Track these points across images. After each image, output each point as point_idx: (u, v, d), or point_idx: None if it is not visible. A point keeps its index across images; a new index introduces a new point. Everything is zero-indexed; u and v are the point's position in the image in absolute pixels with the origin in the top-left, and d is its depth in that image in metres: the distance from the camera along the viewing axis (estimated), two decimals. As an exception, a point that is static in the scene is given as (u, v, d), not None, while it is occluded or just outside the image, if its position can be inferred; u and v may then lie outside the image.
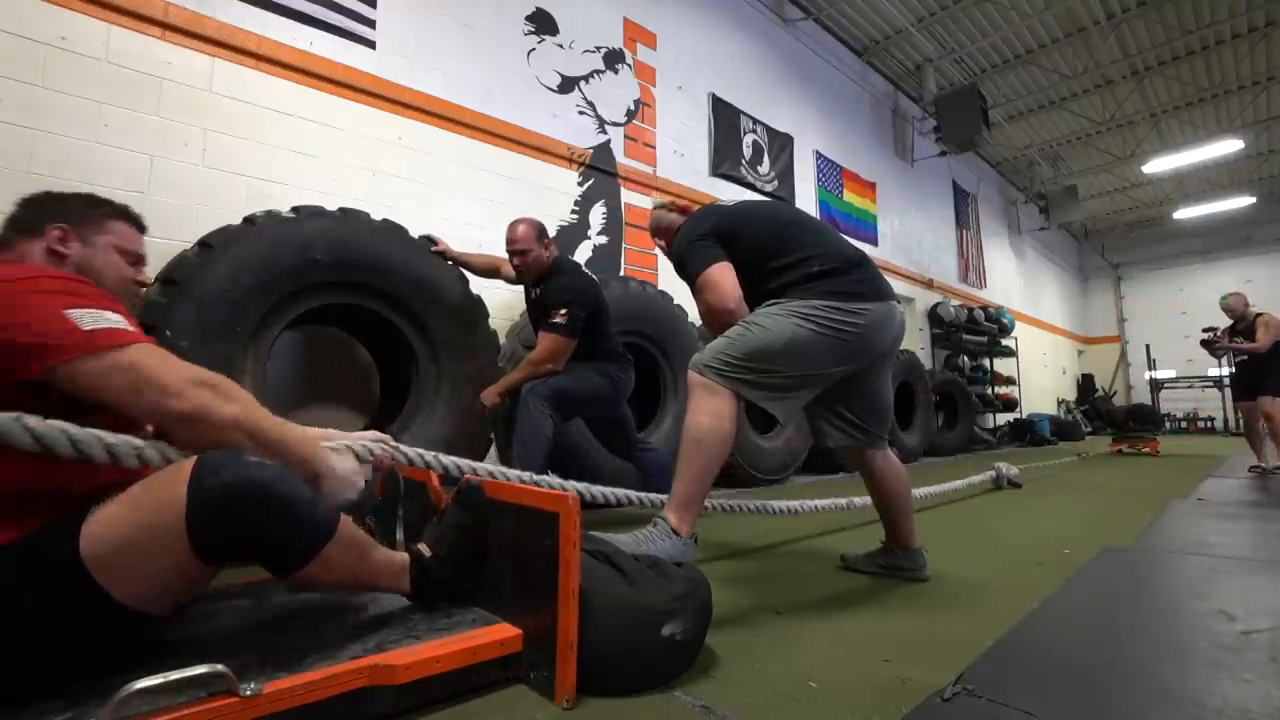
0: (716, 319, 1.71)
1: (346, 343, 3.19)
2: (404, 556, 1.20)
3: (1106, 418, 12.35)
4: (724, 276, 1.70)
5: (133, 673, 0.77)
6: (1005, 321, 9.67)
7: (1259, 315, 4.92)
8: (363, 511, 1.59)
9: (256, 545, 0.94)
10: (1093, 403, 13.51)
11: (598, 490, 1.96)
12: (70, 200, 1.14)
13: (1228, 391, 12.48)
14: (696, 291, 1.75)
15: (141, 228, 1.21)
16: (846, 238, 1.93)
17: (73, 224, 1.10)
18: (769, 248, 1.74)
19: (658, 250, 2.26)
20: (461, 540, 1.24)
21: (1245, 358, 4.95)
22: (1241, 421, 5.13)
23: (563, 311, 2.53)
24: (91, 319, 0.91)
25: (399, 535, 1.49)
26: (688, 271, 1.77)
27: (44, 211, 1.10)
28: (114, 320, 0.93)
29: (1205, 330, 5.39)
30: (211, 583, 1.37)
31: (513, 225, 2.69)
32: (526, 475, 1.75)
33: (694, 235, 1.78)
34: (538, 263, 2.68)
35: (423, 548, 1.23)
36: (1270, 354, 4.70)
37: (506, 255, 2.74)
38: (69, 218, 1.10)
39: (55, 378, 0.88)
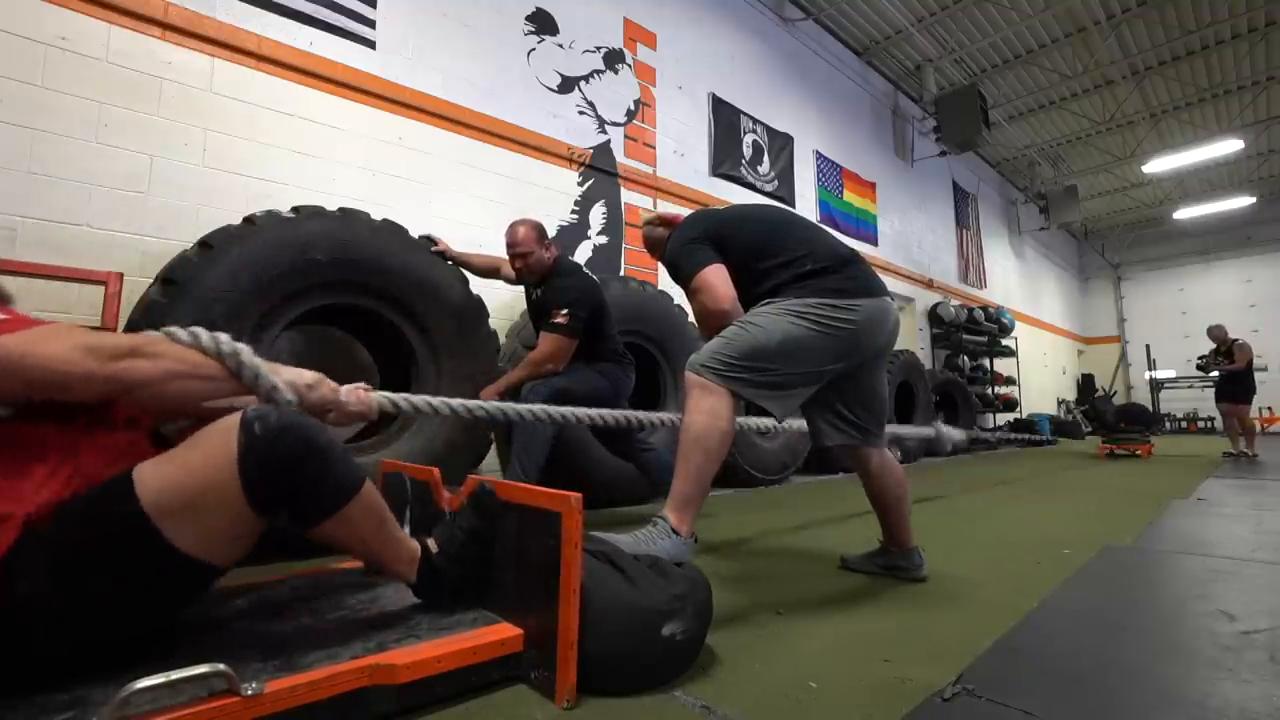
0: (711, 320, 1.72)
1: (346, 343, 3.18)
2: (417, 546, 1.22)
3: (1096, 418, 11.91)
4: (717, 278, 1.71)
5: (134, 672, 0.77)
6: (1005, 321, 9.67)
7: (1234, 341, 6.82)
8: None
9: (295, 488, 0.98)
10: (1092, 403, 13.52)
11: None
12: None
13: (1228, 392, 12.63)
14: (691, 294, 1.76)
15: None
16: (845, 238, 1.95)
17: None
18: (761, 248, 1.76)
19: (657, 252, 2.27)
20: (470, 543, 1.24)
21: (1228, 373, 6.80)
22: (1223, 418, 7.02)
23: (564, 312, 2.53)
24: None
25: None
26: (681, 275, 1.78)
27: None
28: None
29: (1200, 358, 7.35)
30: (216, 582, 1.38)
31: (513, 228, 2.69)
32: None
33: (686, 239, 1.80)
34: (539, 264, 2.68)
35: (431, 544, 1.24)
36: (1245, 371, 6.66)
37: (507, 257, 2.74)
38: None
39: None
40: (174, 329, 1.06)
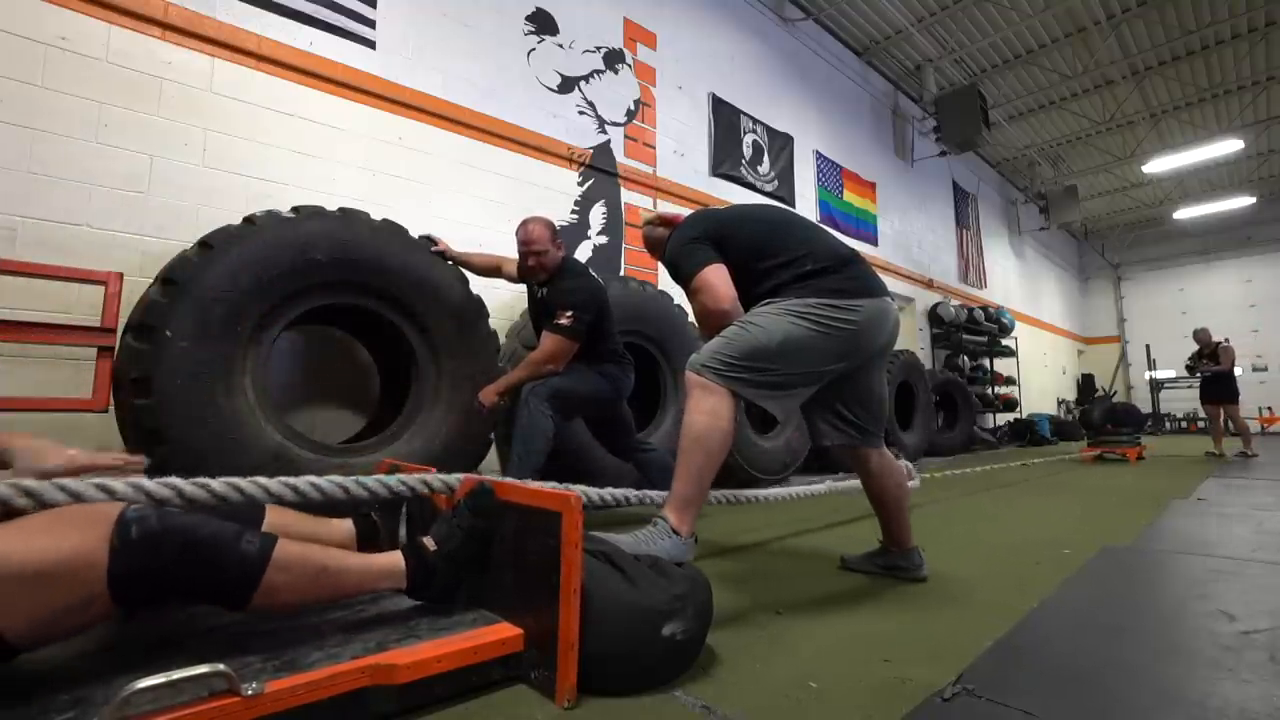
0: (712, 320, 1.72)
1: (346, 343, 3.18)
2: (389, 557, 1.19)
3: (1083, 419, 10.65)
4: (717, 277, 1.71)
5: (135, 672, 0.77)
6: (1005, 321, 9.67)
7: (1218, 343, 6.98)
8: (366, 507, 1.59)
9: (188, 588, 0.95)
10: (1093, 402, 13.51)
11: (596, 494, 1.92)
12: None
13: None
14: (691, 294, 1.76)
15: None
16: (845, 238, 1.94)
17: None
18: (761, 248, 1.76)
19: (657, 251, 2.27)
20: (468, 542, 1.23)
21: (1212, 375, 6.96)
22: (1209, 419, 7.18)
23: (569, 314, 2.52)
24: None
25: (401, 531, 1.49)
26: (681, 275, 1.78)
27: None
28: None
29: (1188, 359, 7.46)
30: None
31: (526, 226, 2.65)
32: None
33: (686, 238, 1.80)
34: (551, 262, 2.66)
35: (428, 542, 1.23)
36: (1228, 372, 6.82)
37: (519, 255, 2.72)
38: None
39: None
40: None
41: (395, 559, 1.19)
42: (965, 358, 9.30)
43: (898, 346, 7.10)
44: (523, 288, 2.94)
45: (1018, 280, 12.28)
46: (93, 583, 0.86)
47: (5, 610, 0.84)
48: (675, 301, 3.83)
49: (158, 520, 0.92)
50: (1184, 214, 12.96)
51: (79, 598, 0.87)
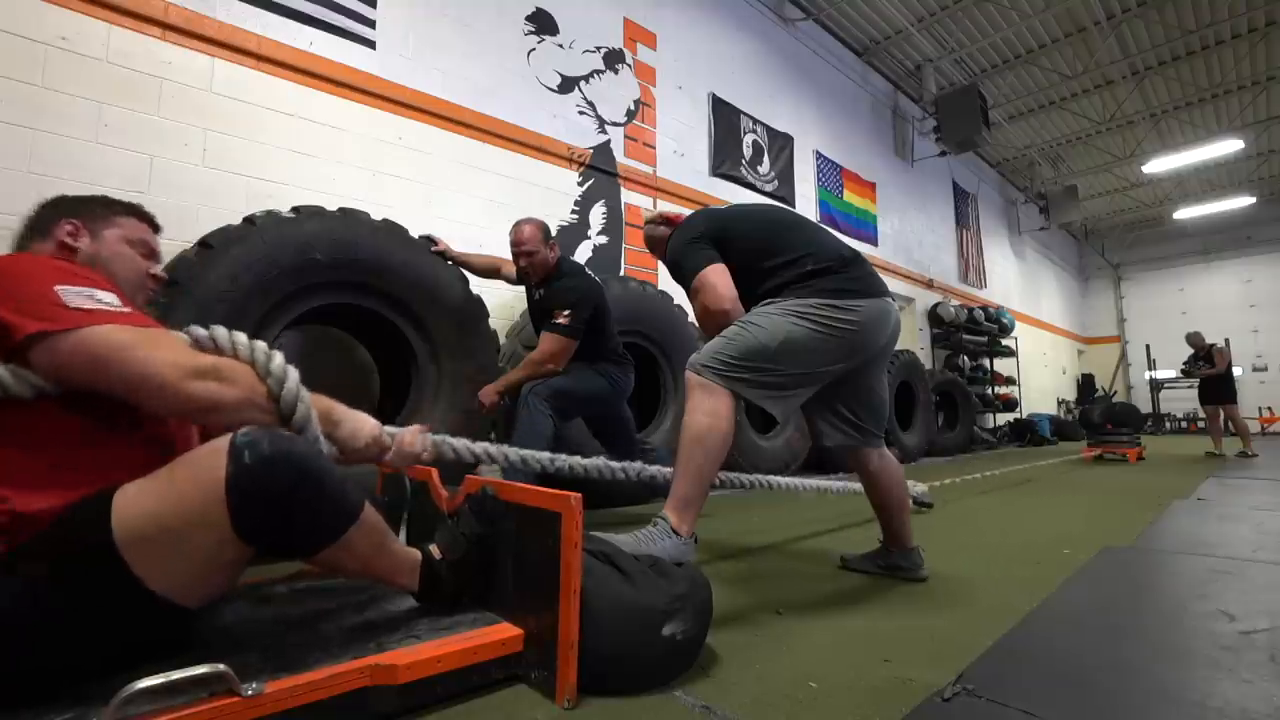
0: (712, 320, 1.72)
1: (346, 343, 3.18)
2: (416, 554, 1.20)
3: (1083, 419, 10.67)
4: (718, 277, 1.71)
5: (135, 672, 0.77)
6: (1005, 321, 9.67)
7: (1212, 345, 7.17)
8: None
9: (290, 519, 0.93)
10: (1093, 403, 13.50)
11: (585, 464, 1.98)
12: (84, 200, 1.15)
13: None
14: (691, 293, 1.76)
15: (154, 225, 1.23)
16: (845, 238, 1.94)
17: (82, 219, 1.11)
18: (762, 248, 1.76)
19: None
20: (474, 547, 1.23)
21: (1209, 376, 7.06)
22: (1207, 420, 7.23)
23: (566, 313, 2.53)
24: (80, 297, 0.89)
25: (402, 535, 1.49)
26: (682, 274, 1.78)
27: (57, 210, 1.11)
28: (107, 301, 0.91)
29: (1184, 364, 7.56)
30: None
31: (518, 226, 2.69)
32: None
33: (687, 238, 1.80)
34: (543, 264, 2.68)
35: (434, 549, 1.23)
36: (1225, 374, 6.95)
37: (511, 256, 2.74)
38: (79, 214, 1.11)
39: (37, 356, 0.86)
40: (241, 341, 1.00)
41: (419, 557, 1.20)
42: (965, 358, 9.30)
43: (898, 346, 7.10)
44: (523, 287, 2.94)
45: (1018, 280, 12.28)
46: (218, 518, 0.87)
47: (157, 569, 0.86)
48: (675, 301, 3.83)
49: (269, 444, 0.90)
50: (1184, 214, 12.95)
51: (211, 532, 0.88)
